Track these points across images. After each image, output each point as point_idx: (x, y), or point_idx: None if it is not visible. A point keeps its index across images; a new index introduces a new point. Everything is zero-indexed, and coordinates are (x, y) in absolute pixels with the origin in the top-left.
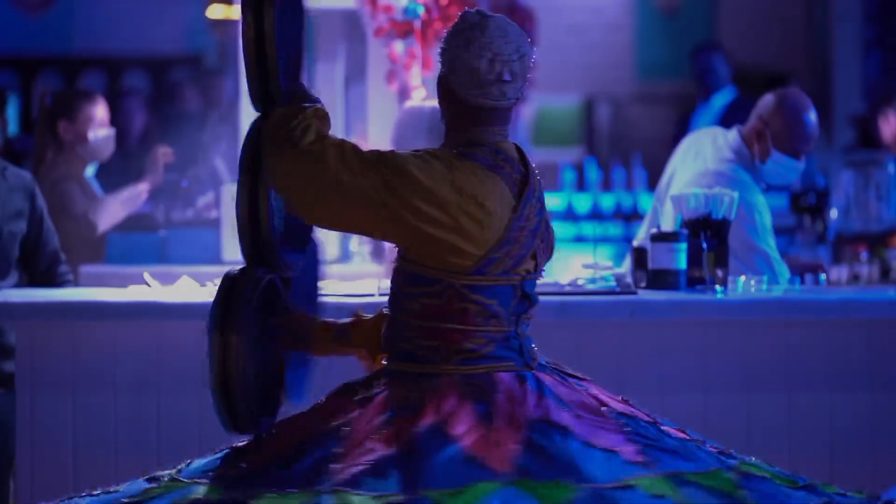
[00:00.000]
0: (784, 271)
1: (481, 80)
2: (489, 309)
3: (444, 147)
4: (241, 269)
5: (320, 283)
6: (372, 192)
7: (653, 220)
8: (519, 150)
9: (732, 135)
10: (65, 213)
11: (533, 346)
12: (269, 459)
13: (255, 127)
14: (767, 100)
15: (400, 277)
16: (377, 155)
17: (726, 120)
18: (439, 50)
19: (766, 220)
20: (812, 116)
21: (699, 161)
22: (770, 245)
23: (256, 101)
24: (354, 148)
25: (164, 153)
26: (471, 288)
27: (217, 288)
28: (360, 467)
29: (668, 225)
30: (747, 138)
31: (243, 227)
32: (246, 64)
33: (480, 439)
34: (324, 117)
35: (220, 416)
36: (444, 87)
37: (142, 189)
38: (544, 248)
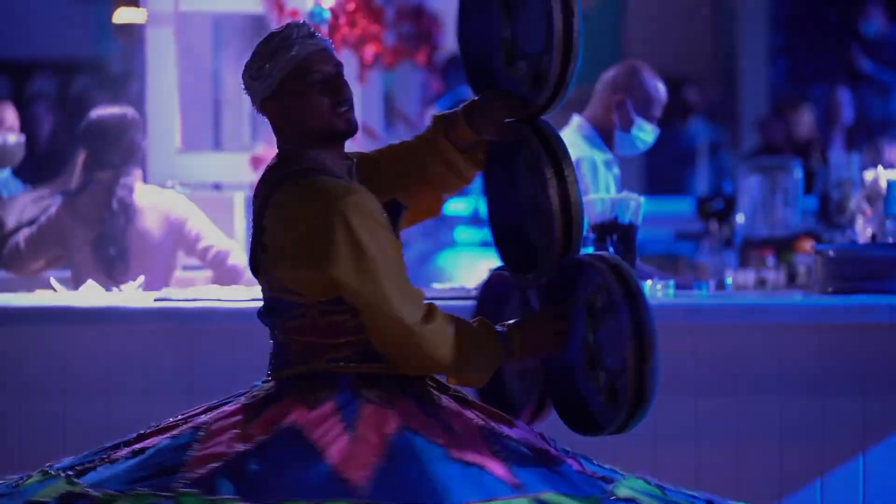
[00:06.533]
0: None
1: None
2: None
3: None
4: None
5: None
6: None
7: None
8: None
9: (576, 121)
10: None
11: None
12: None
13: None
14: (619, 74)
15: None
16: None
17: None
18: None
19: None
20: (662, 84)
21: None
22: None
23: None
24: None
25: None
26: None
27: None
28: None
29: None
30: (600, 116)
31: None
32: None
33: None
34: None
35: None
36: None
37: (53, 189)
38: None
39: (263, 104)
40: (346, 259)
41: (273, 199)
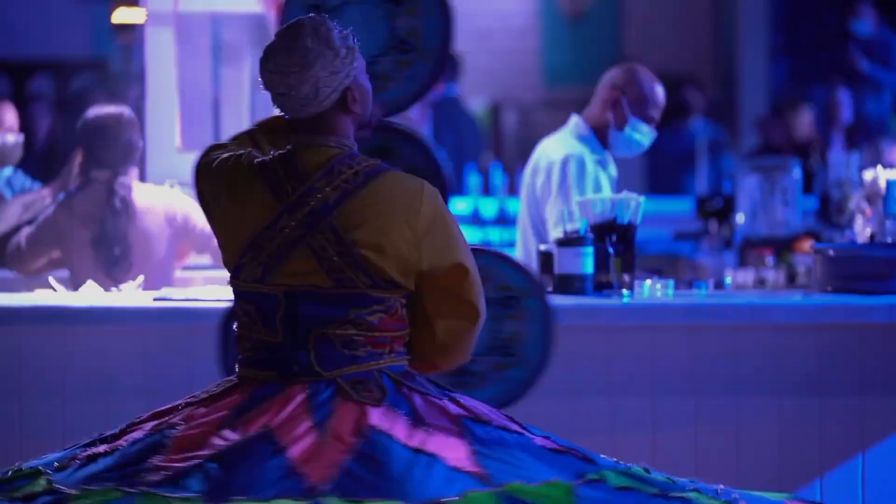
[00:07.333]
0: None
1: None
2: None
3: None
4: None
5: None
6: None
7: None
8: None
9: (574, 121)
10: None
11: None
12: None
13: None
14: (616, 73)
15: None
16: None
17: None
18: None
19: (605, 193)
20: (660, 87)
21: (549, 154)
22: None
23: None
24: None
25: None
26: None
27: None
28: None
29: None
30: (597, 115)
31: None
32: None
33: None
34: None
35: None
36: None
37: (45, 193)
38: None
39: (347, 90)
40: (466, 247)
41: (358, 195)
